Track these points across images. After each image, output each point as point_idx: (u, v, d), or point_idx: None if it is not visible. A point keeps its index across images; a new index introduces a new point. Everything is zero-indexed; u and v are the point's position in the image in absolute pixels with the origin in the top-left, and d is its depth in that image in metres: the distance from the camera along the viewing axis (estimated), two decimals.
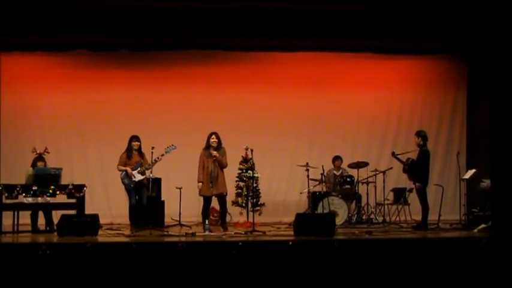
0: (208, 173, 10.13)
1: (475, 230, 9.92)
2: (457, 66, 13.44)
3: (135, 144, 10.75)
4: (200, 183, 10.19)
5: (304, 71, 12.98)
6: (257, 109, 12.89)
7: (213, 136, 10.24)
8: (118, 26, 10.53)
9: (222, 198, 10.29)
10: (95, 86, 12.57)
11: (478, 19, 10.55)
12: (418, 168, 10.52)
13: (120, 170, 10.70)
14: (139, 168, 10.61)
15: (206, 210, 10.33)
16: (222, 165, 10.23)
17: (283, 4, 10.26)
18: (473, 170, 11.34)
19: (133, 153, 10.73)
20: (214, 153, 10.12)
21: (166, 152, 10.48)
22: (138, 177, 10.60)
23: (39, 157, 10.53)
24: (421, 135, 10.70)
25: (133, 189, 10.61)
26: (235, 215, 11.88)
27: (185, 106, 12.71)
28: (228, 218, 11.03)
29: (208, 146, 10.24)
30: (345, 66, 13.16)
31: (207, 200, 10.27)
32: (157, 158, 10.38)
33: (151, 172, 10.50)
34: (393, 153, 11.12)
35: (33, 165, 10.39)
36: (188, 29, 10.70)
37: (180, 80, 12.77)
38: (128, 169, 10.59)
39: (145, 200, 10.65)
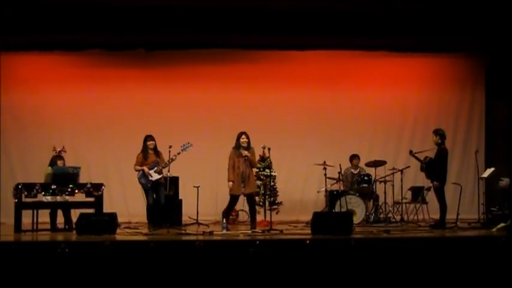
0: (239, 173, 10.06)
1: (494, 229, 9.84)
2: (474, 63, 13.33)
3: (150, 143, 10.77)
4: (231, 182, 10.12)
5: (322, 69, 12.95)
6: (274, 108, 12.88)
7: (243, 136, 10.17)
8: (133, 24, 10.52)
9: (251, 198, 10.29)
10: (113, 85, 12.64)
11: (496, 16, 10.47)
12: (436, 167, 10.46)
13: (137, 170, 10.73)
14: (156, 168, 10.64)
15: (230, 209, 10.34)
16: (252, 165, 10.23)
17: (301, 3, 10.26)
18: (492, 169, 11.23)
19: (149, 153, 10.75)
20: (246, 152, 10.07)
21: (182, 150, 10.49)
22: (155, 176, 10.63)
23: (59, 156, 10.58)
24: (439, 133, 10.64)
25: (151, 189, 10.65)
26: None
27: (202, 105, 12.73)
28: (246, 217, 11.04)
29: (238, 146, 10.17)
30: (362, 64, 13.11)
31: (235, 199, 10.25)
32: (174, 156, 10.40)
33: (168, 171, 10.53)
34: (411, 152, 11.09)
35: (52, 164, 10.46)
36: (205, 28, 10.67)
37: (197, 79, 12.76)
38: (145, 168, 10.62)
39: (163, 199, 10.68)
